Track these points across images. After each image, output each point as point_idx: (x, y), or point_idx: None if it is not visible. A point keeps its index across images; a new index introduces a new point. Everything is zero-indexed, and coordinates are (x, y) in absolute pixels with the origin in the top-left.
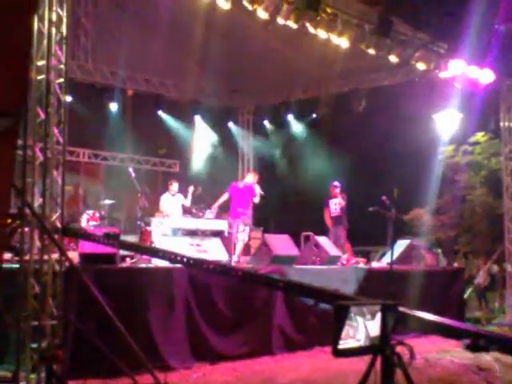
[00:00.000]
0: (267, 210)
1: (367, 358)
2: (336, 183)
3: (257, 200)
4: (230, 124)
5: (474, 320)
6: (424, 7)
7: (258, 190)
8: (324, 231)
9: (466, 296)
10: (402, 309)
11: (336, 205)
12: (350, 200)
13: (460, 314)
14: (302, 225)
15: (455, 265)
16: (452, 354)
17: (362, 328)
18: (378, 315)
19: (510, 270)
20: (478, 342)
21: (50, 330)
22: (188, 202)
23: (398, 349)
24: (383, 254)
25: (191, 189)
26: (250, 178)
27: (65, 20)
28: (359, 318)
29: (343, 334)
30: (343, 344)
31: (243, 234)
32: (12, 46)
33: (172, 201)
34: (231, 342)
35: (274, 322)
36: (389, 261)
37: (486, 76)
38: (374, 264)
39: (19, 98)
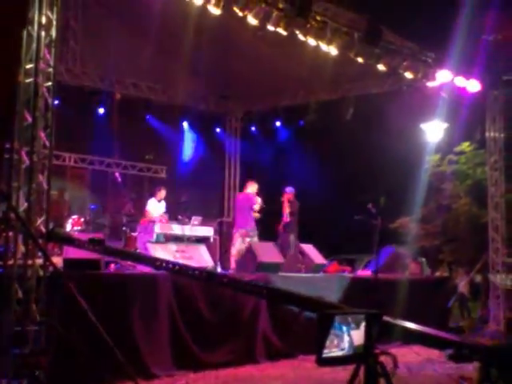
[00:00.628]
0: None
1: (351, 367)
2: (287, 189)
3: (257, 208)
4: (218, 130)
5: (457, 329)
6: (412, 17)
7: (258, 200)
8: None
9: (449, 305)
10: (386, 318)
11: (287, 212)
12: (337, 208)
13: (443, 323)
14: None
15: (439, 274)
16: (435, 363)
17: (346, 337)
18: (363, 324)
19: (493, 280)
20: (461, 352)
21: (33, 335)
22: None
23: (382, 358)
24: (368, 263)
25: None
26: (250, 188)
27: (54, 23)
28: (343, 327)
29: (327, 342)
30: (327, 353)
31: (238, 246)
32: (2, 51)
33: (158, 207)
34: (215, 350)
35: (257, 330)
36: (373, 269)
37: (472, 86)
38: (359, 272)
39: (7, 101)
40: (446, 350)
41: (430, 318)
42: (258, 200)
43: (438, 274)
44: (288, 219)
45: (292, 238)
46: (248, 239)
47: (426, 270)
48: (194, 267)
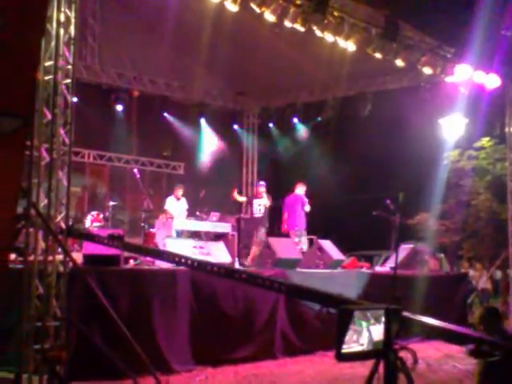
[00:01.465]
0: (271, 213)
1: (370, 363)
2: (261, 183)
3: (308, 209)
4: (236, 126)
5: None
6: (431, 12)
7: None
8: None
9: (469, 301)
10: (405, 314)
11: (260, 205)
12: (355, 204)
13: (463, 319)
14: (307, 228)
15: (459, 270)
16: (455, 359)
17: (366, 332)
18: (382, 320)
19: None
20: (482, 348)
21: (53, 331)
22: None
23: (401, 353)
24: (386, 259)
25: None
26: (299, 189)
27: (73, 21)
28: (363, 323)
29: (347, 338)
30: (347, 348)
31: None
32: (23, 48)
33: (176, 205)
34: (233, 345)
35: (276, 326)
36: (392, 265)
37: (492, 81)
38: (377, 268)
39: (29, 99)
40: (466, 346)
41: (449, 314)
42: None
43: (457, 269)
44: (263, 214)
45: (263, 231)
46: (297, 239)
47: (444, 266)
48: (213, 263)
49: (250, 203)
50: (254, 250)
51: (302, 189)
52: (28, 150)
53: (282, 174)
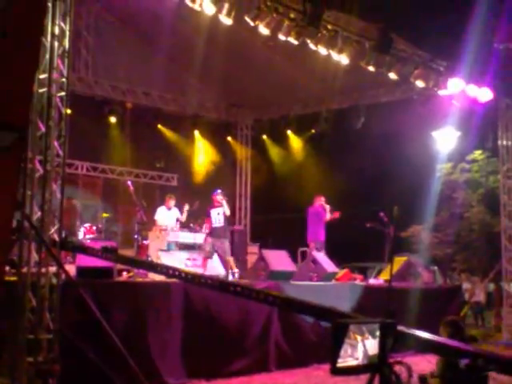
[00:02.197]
0: (265, 226)
1: (364, 377)
2: (219, 191)
3: (328, 218)
4: (229, 138)
5: (470, 338)
6: (424, 25)
7: (327, 208)
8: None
9: (462, 314)
10: (400, 327)
11: (219, 215)
12: (349, 215)
13: None
14: (300, 241)
15: (452, 282)
16: None
17: (361, 346)
18: (377, 334)
19: (506, 289)
20: (476, 362)
21: (46, 343)
22: (183, 219)
23: (396, 368)
24: (380, 271)
25: (186, 207)
26: (318, 202)
27: (67, 33)
28: (358, 336)
29: (341, 352)
30: (342, 362)
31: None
32: (21, 61)
33: (167, 214)
34: (227, 358)
35: (271, 339)
36: (386, 278)
37: (484, 94)
38: (371, 281)
39: (25, 112)
40: (461, 360)
41: None
42: (327, 209)
43: (451, 282)
44: (224, 224)
45: (227, 244)
46: (314, 251)
47: (438, 278)
48: (207, 276)
49: (207, 214)
50: (229, 260)
51: (319, 201)
52: (22, 162)
53: (276, 185)
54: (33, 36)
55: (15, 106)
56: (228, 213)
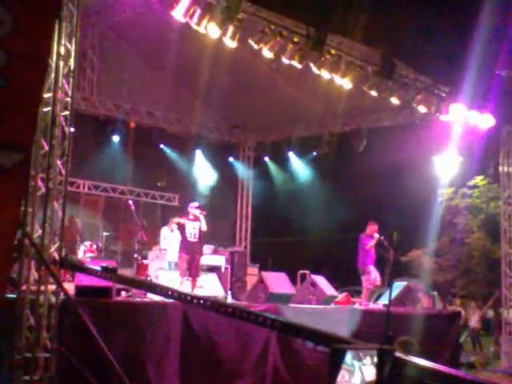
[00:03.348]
0: (265, 248)
1: None
2: (195, 203)
3: (368, 247)
4: (231, 159)
5: (469, 365)
6: (426, 51)
7: (375, 236)
8: (321, 270)
9: (461, 340)
10: (398, 354)
11: (195, 229)
12: (349, 240)
13: (455, 358)
14: (300, 263)
15: (452, 308)
16: None
17: (358, 372)
18: (375, 360)
19: (505, 316)
20: None
21: (43, 362)
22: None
23: None
24: (380, 295)
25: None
26: (368, 229)
27: (73, 54)
28: (355, 362)
29: (339, 378)
30: None
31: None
32: (27, 82)
33: (170, 236)
34: (225, 380)
35: (268, 362)
36: (385, 302)
37: (486, 121)
38: (371, 305)
39: (31, 132)
40: None
41: (441, 353)
42: (375, 236)
43: (450, 308)
44: (199, 239)
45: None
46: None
47: (437, 304)
48: (205, 297)
49: (181, 228)
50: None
51: (370, 228)
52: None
53: (277, 207)
54: (40, 58)
55: (21, 127)
56: (205, 228)
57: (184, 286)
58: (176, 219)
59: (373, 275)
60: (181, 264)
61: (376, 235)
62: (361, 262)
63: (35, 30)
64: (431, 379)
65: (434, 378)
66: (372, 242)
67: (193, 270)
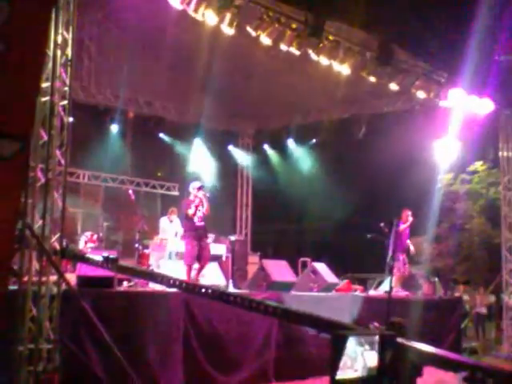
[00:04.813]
0: (266, 236)
1: None
2: (196, 183)
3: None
4: (230, 147)
5: (471, 350)
6: (425, 36)
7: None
8: (322, 257)
9: (462, 326)
10: (400, 339)
11: (199, 211)
12: (350, 227)
13: (457, 343)
14: (301, 250)
15: (456, 294)
16: None
17: (360, 358)
18: (376, 345)
19: (507, 301)
20: (476, 375)
21: (47, 353)
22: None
23: None
24: (380, 282)
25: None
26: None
27: (70, 42)
28: (357, 348)
29: (341, 364)
30: (341, 374)
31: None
32: (26, 71)
33: (168, 226)
34: (228, 369)
35: (271, 350)
36: (386, 289)
37: (485, 106)
38: (372, 292)
39: (29, 122)
40: (460, 373)
41: (443, 339)
42: (410, 220)
43: (452, 293)
44: (204, 223)
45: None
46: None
47: (438, 290)
48: (207, 286)
49: (185, 207)
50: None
51: (404, 214)
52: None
53: (277, 195)
54: (37, 47)
55: (20, 116)
56: (208, 211)
57: (191, 274)
58: (189, 210)
59: (402, 264)
60: (190, 251)
61: (410, 218)
62: (392, 249)
63: (32, 19)
64: (433, 364)
65: (435, 363)
66: (406, 225)
67: (206, 254)
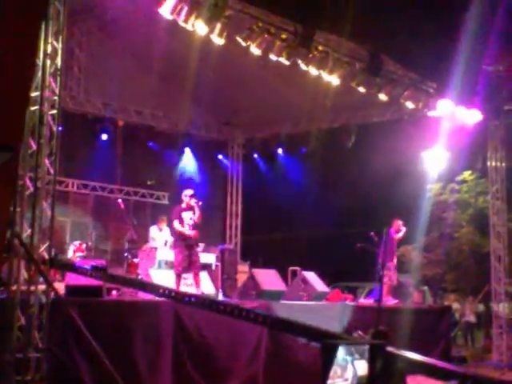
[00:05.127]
0: (255, 244)
1: None
2: (189, 191)
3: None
4: (220, 157)
5: (461, 359)
6: (414, 47)
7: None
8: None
9: (452, 334)
10: (389, 348)
11: (191, 220)
12: (339, 236)
13: (446, 352)
14: (290, 259)
15: (446, 303)
16: None
17: (350, 367)
18: (366, 354)
19: (496, 310)
20: (465, 383)
21: (35, 362)
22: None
23: None
24: (370, 291)
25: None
26: (393, 225)
27: (60, 52)
28: (347, 357)
29: (331, 373)
30: (331, 383)
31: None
32: (16, 80)
33: (158, 235)
34: (217, 378)
35: (260, 359)
36: (376, 298)
37: (473, 116)
38: (361, 300)
39: (19, 131)
40: (450, 381)
41: (432, 348)
42: (402, 229)
43: (441, 302)
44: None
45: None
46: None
47: (427, 298)
48: (196, 295)
49: (175, 216)
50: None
51: (395, 224)
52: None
53: (267, 204)
54: (27, 56)
55: (8, 126)
56: (199, 219)
57: (183, 283)
58: (176, 225)
59: (393, 273)
60: (180, 260)
61: (403, 228)
62: (382, 258)
63: (22, 29)
64: (423, 373)
65: (425, 372)
66: (400, 234)
67: (197, 263)
